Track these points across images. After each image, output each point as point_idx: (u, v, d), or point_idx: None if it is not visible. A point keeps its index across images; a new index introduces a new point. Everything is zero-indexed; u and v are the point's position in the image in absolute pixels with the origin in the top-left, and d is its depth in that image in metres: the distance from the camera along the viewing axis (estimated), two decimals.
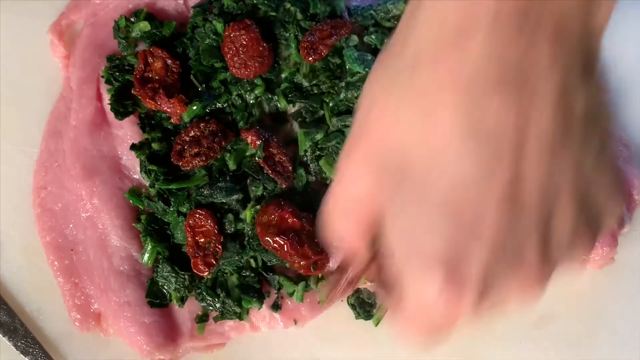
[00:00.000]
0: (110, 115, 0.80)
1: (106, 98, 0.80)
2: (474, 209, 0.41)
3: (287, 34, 0.79)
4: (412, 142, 0.42)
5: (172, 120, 0.78)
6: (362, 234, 0.49)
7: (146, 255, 0.77)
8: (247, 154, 0.78)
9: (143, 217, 0.78)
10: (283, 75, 0.79)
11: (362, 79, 0.77)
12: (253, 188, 0.76)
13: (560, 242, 0.44)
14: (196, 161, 0.76)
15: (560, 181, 0.41)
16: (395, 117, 0.43)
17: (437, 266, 0.42)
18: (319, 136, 0.77)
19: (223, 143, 0.77)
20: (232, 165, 0.77)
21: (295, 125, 0.79)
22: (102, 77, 0.80)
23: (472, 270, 0.42)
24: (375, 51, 0.79)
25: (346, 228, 0.49)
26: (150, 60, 0.78)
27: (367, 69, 0.76)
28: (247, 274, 0.76)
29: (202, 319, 0.77)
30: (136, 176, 0.79)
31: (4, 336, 0.77)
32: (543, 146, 0.40)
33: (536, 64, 0.38)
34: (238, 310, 0.76)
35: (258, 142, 0.76)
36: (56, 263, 0.79)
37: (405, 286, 0.46)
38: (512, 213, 0.41)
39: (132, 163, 0.79)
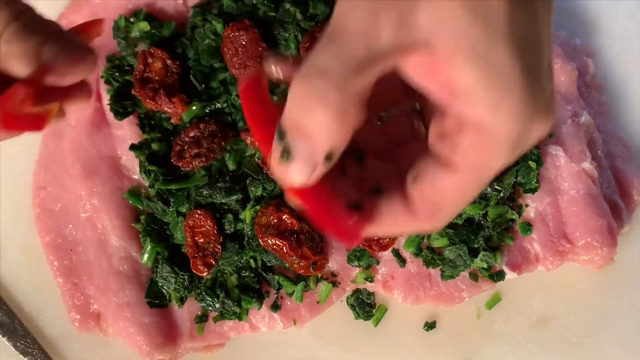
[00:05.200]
0: (110, 116, 0.80)
1: (105, 98, 0.80)
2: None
3: (287, 35, 0.79)
4: None
5: (172, 121, 0.78)
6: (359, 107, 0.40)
7: (146, 256, 0.77)
8: (247, 154, 0.78)
9: (142, 217, 0.78)
10: None
11: None
12: (252, 188, 0.76)
13: None
14: (196, 162, 0.76)
15: None
16: None
17: (550, 90, 0.40)
18: None
19: (223, 144, 0.77)
20: (231, 166, 0.77)
21: None
22: (102, 77, 0.80)
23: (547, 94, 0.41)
24: None
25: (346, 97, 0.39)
26: (150, 60, 0.78)
27: None
28: (247, 274, 0.76)
29: (202, 319, 0.77)
30: (136, 176, 0.79)
31: (3, 336, 0.77)
32: None
33: None
34: (238, 310, 0.76)
35: (257, 143, 0.76)
36: (56, 263, 0.79)
37: (495, 129, 0.39)
38: None
39: (131, 163, 0.79)
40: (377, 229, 0.44)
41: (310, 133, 0.39)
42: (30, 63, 0.46)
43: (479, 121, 0.39)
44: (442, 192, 0.42)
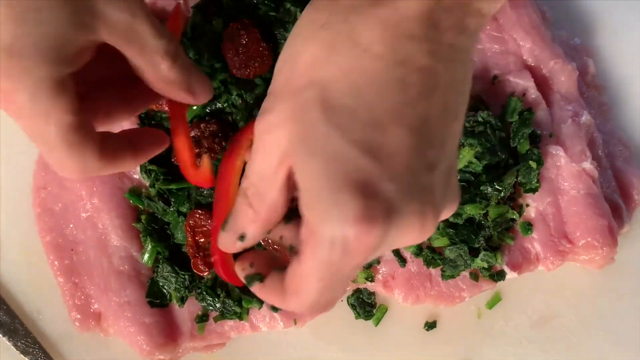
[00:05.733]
0: None
1: None
2: (391, 145, 0.45)
3: (287, 34, 0.79)
4: (342, 75, 0.46)
5: None
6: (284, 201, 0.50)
7: (146, 255, 0.77)
8: None
9: (143, 217, 0.78)
10: None
11: None
12: None
13: (449, 186, 0.49)
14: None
15: (454, 129, 0.49)
16: (328, 53, 0.46)
17: (354, 197, 0.44)
18: None
19: (223, 143, 0.77)
20: None
21: None
22: None
23: (383, 205, 0.45)
24: None
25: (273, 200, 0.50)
26: None
27: None
28: None
29: (202, 318, 0.77)
30: (136, 176, 0.79)
31: (4, 336, 0.77)
32: (451, 90, 0.47)
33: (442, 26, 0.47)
34: (238, 310, 0.76)
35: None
36: (56, 263, 0.79)
37: (312, 227, 0.46)
38: (422, 152, 0.46)
39: None
40: (266, 298, 0.54)
41: (235, 218, 0.52)
42: (187, 91, 0.54)
43: (305, 218, 0.47)
44: (296, 278, 0.49)
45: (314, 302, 0.49)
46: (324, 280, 0.47)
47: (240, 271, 0.56)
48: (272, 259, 0.56)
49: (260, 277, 0.55)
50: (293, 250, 0.53)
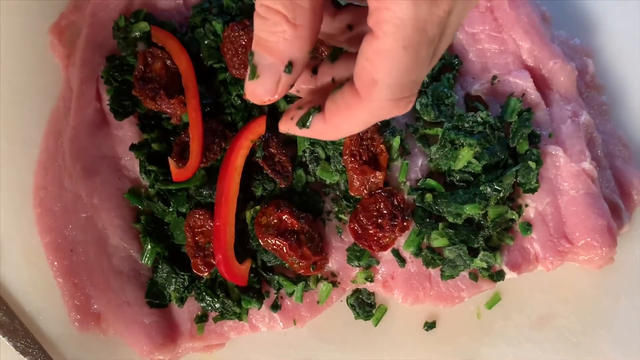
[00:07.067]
0: (110, 116, 0.79)
1: (106, 98, 0.80)
2: None
3: None
4: None
5: (172, 121, 0.78)
6: None
7: (146, 256, 0.77)
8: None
9: (143, 217, 0.78)
10: None
11: None
12: (252, 188, 0.76)
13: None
14: None
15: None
16: None
17: None
18: None
19: (223, 144, 0.77)
20: None
21: None
22: (102, 77, 0.80)
23: None
24: None
25: None
26: (149, 60, 0.78)
27: None
28: None
29: (202, 319, 0.77)
30: (136, 176, 0.79)
31: (4, 336, 0.77)
32: None
33: None
34: (238, 310, 0.76)
35: (257, 142, 0.76)
36: (56, 263, 0.79)
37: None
38: None
39: (131, 163, 0.79)
40: (336, 120, 0.47)
41: (271, 47, 0.43)
42: None
43: None
44: (371, 61, 0.43)
45: (398, 84, 0.42)
46: (411, 47, 0.41)
47: (289, 121, 0.49)
48: (319, 95, 0.49)
49: (317, 107, 0.48)
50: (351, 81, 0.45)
